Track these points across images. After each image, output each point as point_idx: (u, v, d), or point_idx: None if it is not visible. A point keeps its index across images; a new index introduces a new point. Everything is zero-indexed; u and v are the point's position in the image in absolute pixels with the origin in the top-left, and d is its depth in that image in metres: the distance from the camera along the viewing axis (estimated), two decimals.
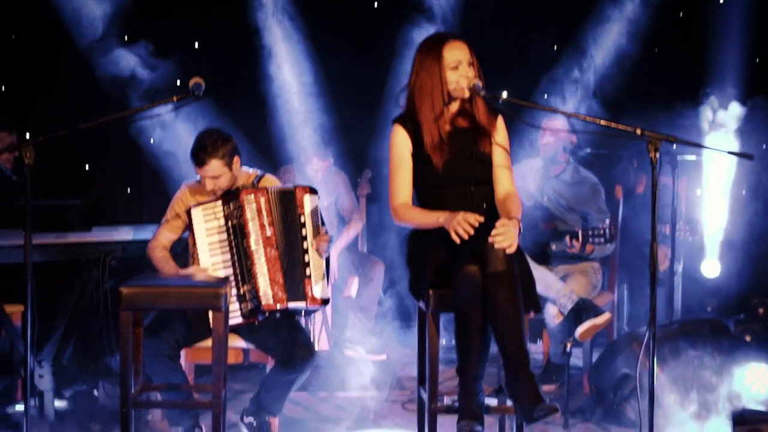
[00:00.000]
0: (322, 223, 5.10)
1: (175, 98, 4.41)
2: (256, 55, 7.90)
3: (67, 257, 5.45)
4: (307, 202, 5.00)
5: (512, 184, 4.67)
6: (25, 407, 4.32)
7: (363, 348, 7.31)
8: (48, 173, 6.69)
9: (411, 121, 4.62)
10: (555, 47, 8.44)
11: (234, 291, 4.89)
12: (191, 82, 4.41)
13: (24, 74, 7.64)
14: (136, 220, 7.69)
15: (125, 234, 5.73)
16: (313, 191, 5.06)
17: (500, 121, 4.70)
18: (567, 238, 6.16)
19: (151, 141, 7.86)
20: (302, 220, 4.97)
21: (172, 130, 7.86)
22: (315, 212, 5.03)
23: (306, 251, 4.96)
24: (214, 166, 4.99)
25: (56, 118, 7.25)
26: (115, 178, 8.24)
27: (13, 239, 5.16)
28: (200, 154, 4.99)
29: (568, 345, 5.67)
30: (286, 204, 4.99)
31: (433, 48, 4.57)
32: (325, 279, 5.04)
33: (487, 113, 4.65)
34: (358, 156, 8.33)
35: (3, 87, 7.78)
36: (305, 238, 4.97)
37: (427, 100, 4.56)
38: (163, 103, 4.48)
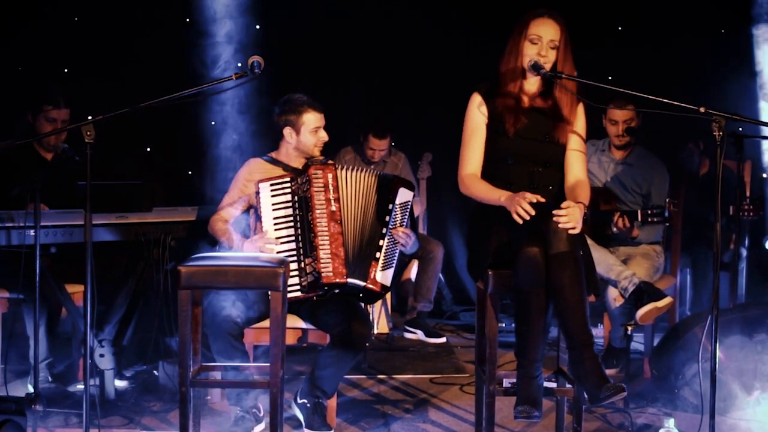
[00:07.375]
0: (412, 223, 5.14)
1: (234, 76, 4.42)
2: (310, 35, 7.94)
3: (128, 237, 5.47)
4: (401, 193, 5.04)
5: (584, 171, 4.69)
6: (86, 387, 4.35)
7: (422, 331, 7.30)
8: (111, 155, 6.74)
9: (491, 91, 4.64)
10: (620, 28, 8.36)
11: (294, 265, 4.90)
12: (250, 60, 4.41)
13: (87, 57, 7.69)
14: (196, 201, 7.72)
15: (186, 214, 5.75)
16: (410, 186, 5.11)
17: (581, 109, 4.70)
18: (615, 217, 6.08)
19: (212, 123, 7.89)
20: (389, 207, 5.00)
21: (233, 111, 7.88)
22: (405, 206, 5.07)
23: (383, 236, 4.97)
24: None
25: (119, 101, 7.32)
26: (177, 160, 8.28)
27: (75, 219, 5.20)
28: None
29: (629, 328, 5.61)
30: (380, 188, 5.02)
31: (524, 18, 4.62)
32: (392, 270, 5.04)
33: (570, 101, 4.65)
34: (418, 138, 8.31)
35: (66, 69, 7.84)
36: (387, 224, 4.98)
37: (506, 67, 4.63)
38: (222, 81, 4.48)
